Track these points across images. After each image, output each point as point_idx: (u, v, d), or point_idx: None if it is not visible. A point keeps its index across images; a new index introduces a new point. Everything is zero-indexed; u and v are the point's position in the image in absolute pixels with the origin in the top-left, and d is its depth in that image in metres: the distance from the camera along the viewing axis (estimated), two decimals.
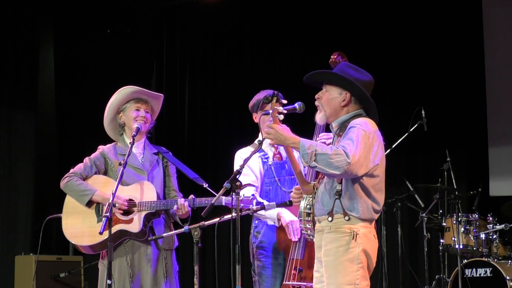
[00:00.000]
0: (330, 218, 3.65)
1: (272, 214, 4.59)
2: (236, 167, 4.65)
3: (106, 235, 4.27)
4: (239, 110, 8.64)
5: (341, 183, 3.65)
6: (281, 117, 3.78)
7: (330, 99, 3.75)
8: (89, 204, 4.62)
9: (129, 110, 4.72)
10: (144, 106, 4.73)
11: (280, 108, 3.78)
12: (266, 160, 4.75)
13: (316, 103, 3.80)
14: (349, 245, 3.60)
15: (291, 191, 4.61)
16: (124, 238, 4.57)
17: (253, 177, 4.71)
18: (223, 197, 4.07)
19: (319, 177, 3.82)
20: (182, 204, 4.47)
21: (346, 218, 3.62)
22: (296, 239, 4.47)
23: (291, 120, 4.67)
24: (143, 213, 4.52)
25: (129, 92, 4.71)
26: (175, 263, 4.71)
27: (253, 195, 4.28)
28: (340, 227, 3.63)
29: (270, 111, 3.97)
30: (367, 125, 3.63)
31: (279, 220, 4.58)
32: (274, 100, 3.79)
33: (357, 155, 3.49)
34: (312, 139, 4.53)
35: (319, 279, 3.76)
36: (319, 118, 3.81)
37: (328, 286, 3.64)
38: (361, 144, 3.53)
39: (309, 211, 3.82)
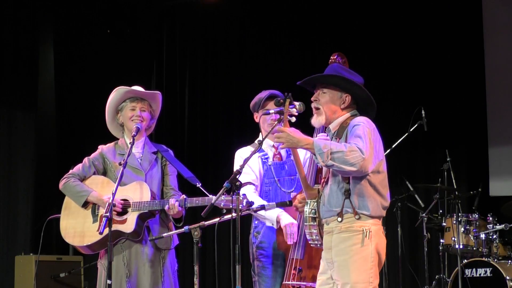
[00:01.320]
0: (339, 219, 3.65)
1: (272, 216, 4.57)
2: (236, 166, 4.65)
3: (101, 235, 4.29)
4: (239, 110, 8.64)
5: (348, 182, 3.65)
6: (293, 119, 3.75)
7: (330, 101, 3.74)
8: (86, 204, 4.63)
9: (125, 110, 4.71)
10: (140, 105, 4.71)
11: (294, 110, 3.74)
12: (266, 160, 4.75)
13: (313, 105, 3.78)
14: (363, 243, 3.60)
15: (291, 191, 4.64)
16: (120, 239, 4.56)
17: (253, 176, 4.70)
18: (214, 197, 4.01)
19: (322, 180, 3.81)
20: (172, 205, 4.46)
21: (357, 217, 3.62)
22: (291, 243, 4.46)
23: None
24: (137, 213, 4.51)
25: (123, 92, 4.71)
26: (174, 262, 4.70)
27: (243, 194, 4.23)
28: (351, 226, 3.63)
29: (271, 111, 3.96)
30: (369, 122, 3.67)
31: (278, 222, 4.57)
32: (287, 103, 3.75)
33: (368, 151, 3.51)
34: None
35: (325, 281, 3.74)
36: (318, 121, 3.78)
37: (342, 286, 3.62)
38: (368, 140, 3.55)
39: (314, 216, 3.80)
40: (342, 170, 3.52)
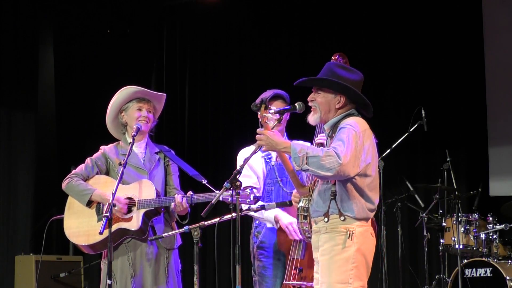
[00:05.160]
0: (326, 219, 3.68)
1: (269, 216, 4.58)
2: (238, 167, 4.64)
3: (105, 234, 4.28)
4: (239, 110, 8.65)
5: (335, 184, 3.67)
6: (271, 123, 3.80)
7: (326, 102, 3.76)
8: (90, 204, 4.63)
9: (131, 109, 4.71)
10: (146, 106, 4.72)
11: (269, 115, 3.79)
12: (269, 160, 4.74)
13: (311, 104, 3.81)
14: (344, 244, 3.62)
15: (293, 192, 4.64)
16: (125, 237, 4.57)
17: (254, 179, 4.68)
18: (219, 192, 4.02)
19: (314, 179, 3.83)
20: (179, 202, 4.47)
21: (342, 218, 3.64)
22: (299, 238, 4.47)
23: (292, 120, 4.69)
24: (142, 211, 4.52)
25: (131, 92, 4.70)
26: (177, 262, 4.71)
27: (251, 188, 4.22)
28: (336, 227, 3.65)
29: (271, 111, 3.97)
30: (357, 125, 3.65)
31: (277, 222, 4.57)
32: (263, 108, 3.80)
33: (348, 155, 3.52)
34: (313, 139, 4.54)
35: (319, 280, 3.77)
36: (313, 119, 3.82)
37: (321, 285, 3.67)
38: (352, 144, 3.55)
39: (306, 213, 3.84)
40: (318, 174, 3.54)
